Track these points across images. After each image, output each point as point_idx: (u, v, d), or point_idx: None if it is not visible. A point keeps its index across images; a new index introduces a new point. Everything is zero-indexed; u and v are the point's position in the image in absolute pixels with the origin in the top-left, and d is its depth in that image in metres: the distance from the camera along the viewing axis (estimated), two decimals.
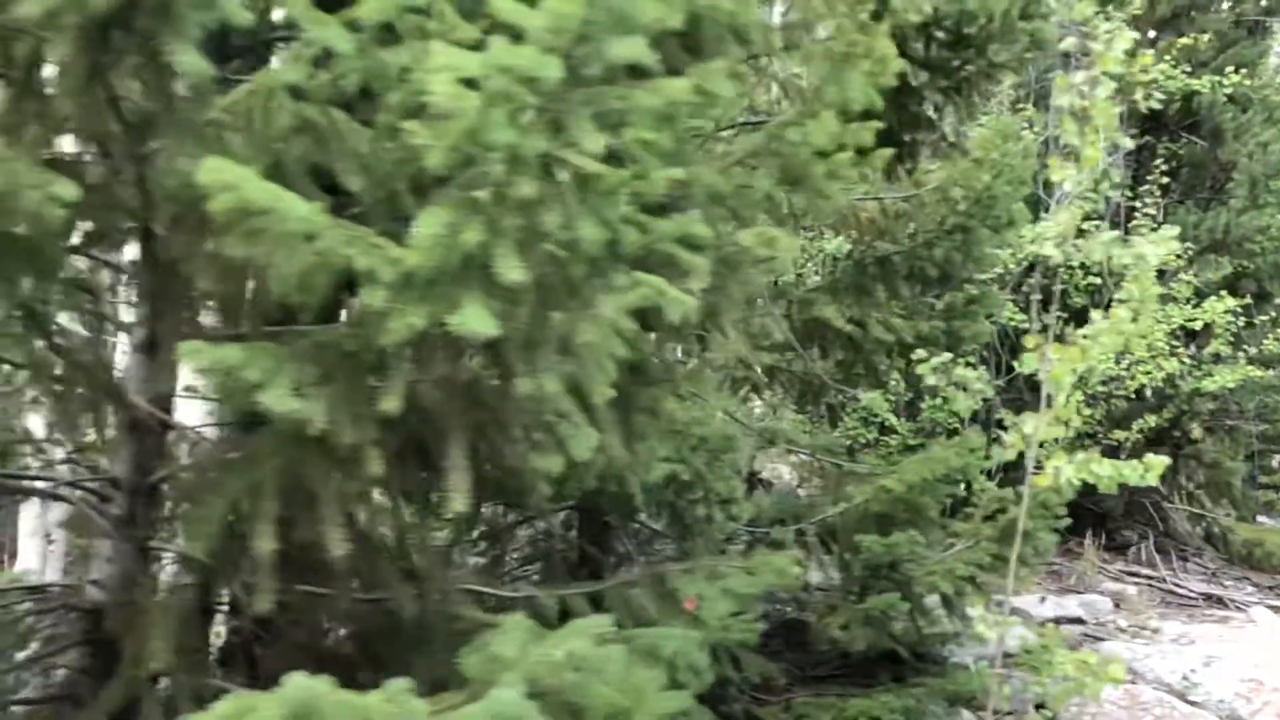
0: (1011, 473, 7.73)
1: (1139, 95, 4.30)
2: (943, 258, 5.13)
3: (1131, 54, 3.88)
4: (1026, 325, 8.91)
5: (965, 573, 4.64)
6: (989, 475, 6.30)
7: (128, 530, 3.00)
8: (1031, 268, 9.06)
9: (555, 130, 1.78)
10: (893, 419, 8.11)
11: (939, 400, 8.41)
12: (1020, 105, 8.15)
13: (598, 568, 4.89)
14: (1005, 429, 5.53)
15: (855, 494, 4.82)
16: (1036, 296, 9.00)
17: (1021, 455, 4.11)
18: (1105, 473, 3.91)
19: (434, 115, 1.75)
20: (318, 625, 2.68)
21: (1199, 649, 5.85)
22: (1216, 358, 8.36)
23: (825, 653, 5.26)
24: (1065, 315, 8.88)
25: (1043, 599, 7.02)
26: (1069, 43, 3.95)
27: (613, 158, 1.94)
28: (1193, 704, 5.12)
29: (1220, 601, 7.57)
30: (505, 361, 2.19)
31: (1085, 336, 4.18)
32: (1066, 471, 3.88)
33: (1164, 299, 7.94)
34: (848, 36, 2.59)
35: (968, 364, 8.46)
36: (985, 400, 8.68)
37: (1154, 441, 8.32)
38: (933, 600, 5.00)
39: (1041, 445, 4.29)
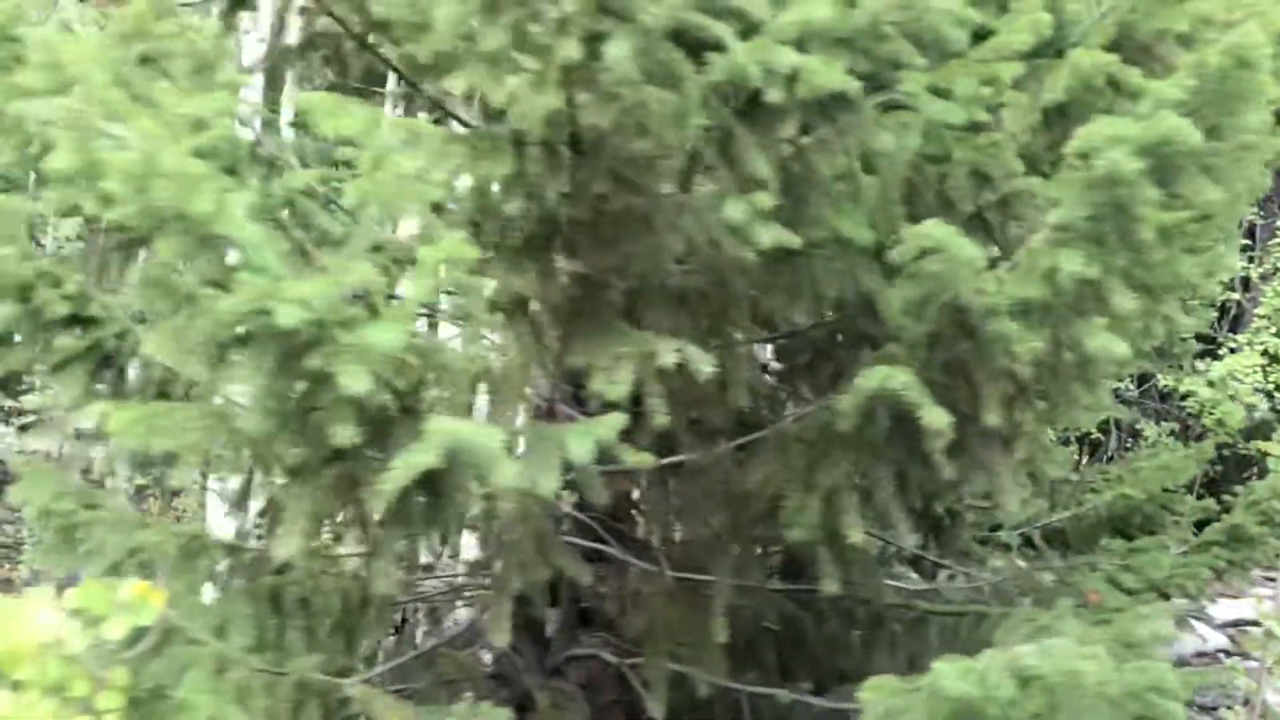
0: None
1: None
2: None
3: None
4: None
5: (1207, 575, 4.92)
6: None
7: None
8: None
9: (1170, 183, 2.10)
10: None
11: None
12: None
13: None
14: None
15: (1089, 500, 5.12)
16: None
17: None
18: None
19: (1081, 171, 2.07)
20: (770, 616, 2.98)
21: None
22: None
23: None
24: None
25: (1214, 601, 7.24)
26: None
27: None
28: None
29: None
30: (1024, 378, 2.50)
31: None
32: None
33: None
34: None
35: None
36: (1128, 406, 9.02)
37: None
38: None
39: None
